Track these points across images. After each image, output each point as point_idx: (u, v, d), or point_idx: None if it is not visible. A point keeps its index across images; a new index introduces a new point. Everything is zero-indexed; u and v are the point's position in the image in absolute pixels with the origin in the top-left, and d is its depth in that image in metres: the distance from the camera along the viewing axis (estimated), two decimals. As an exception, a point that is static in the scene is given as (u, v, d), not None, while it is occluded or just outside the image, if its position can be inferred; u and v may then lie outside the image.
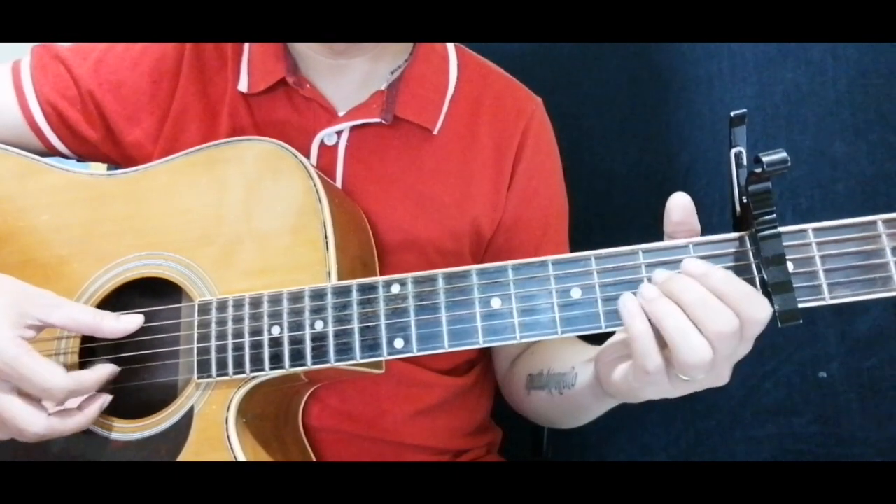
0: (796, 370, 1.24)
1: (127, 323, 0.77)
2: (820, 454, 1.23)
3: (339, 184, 0.89)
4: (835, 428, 1.23)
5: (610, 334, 0.69)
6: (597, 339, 0.72)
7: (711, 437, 1.28)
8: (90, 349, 0.82)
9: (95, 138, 0.94)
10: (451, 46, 0.97)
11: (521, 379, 0.93)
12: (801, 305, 0.60)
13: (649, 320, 0.61)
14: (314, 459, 0.86)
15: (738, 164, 0.60)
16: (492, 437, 1.05)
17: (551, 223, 0.98)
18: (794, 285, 0.60)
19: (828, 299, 0.60)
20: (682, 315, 0.60)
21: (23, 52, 0.96)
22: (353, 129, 0.89)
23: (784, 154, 0.55)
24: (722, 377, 0.63)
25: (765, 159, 0.56)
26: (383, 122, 0.88)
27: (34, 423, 0.72)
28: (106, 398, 0.76)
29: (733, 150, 0.60)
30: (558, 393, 0.83)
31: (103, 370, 0.76)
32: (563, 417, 0.90)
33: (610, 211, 1.30)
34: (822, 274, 0.61)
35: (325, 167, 0.88)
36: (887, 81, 1.19)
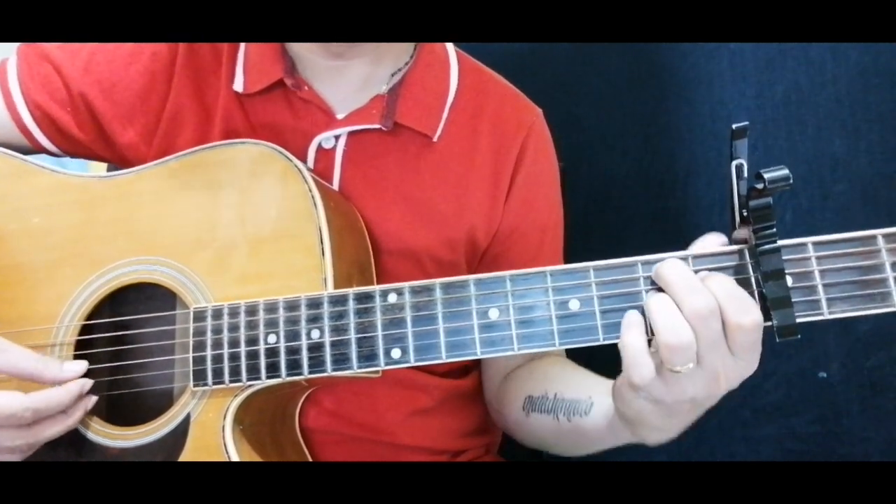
0: (796, 370, 1.24)
1: (68, 372, 0.75)
2: (820, 454, 1.23)
3: (335, 189, 0.88)
4: (835, 428, 1.23)
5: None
6: (608, 366, 0.71)
7: (711, 437, 1.28)
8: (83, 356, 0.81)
9: (86, 140, 0.92)
10: (451, 52, 0.96)
11: (517, 399, 0.90)
12: (799, 320, 0.60)
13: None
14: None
15: (739, 177, 0.60)
16: (491, 437, 1.04)
17: (547, 234, 0.97)
18: (793, 300, 0.60)
19: (826, 314, 0.61)
20: (665, 296, 0.61)
21: (9, 51, 0.94)
22: (351, 133, 0.88)
23: (786, 171, 0.55)
24: (717, 385, 0.64)
25: (766, 176, 0.56)
26: (383, 128, 0.87)
27: (14, 436, 0.70)
28: (90, 399, 0.75)
29: (734, 163, 0.60)
30: (566, 419, 0.81)
31: (73, 385, 0.74)
32: (564, 445, 0.87)
33: (610, 211, 1.30)
34: (821, 288, 0.61)
35: (323, 171, 0.87)
36: (887, 81, 1.19)
